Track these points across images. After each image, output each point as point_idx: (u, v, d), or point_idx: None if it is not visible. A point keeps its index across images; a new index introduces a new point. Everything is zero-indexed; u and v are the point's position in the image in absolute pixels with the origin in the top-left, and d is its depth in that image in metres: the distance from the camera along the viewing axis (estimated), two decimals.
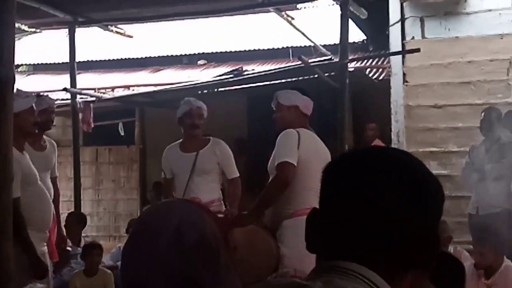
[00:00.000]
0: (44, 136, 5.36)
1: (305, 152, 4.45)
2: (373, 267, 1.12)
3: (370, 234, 1.12)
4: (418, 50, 7.26)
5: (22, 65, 12.20)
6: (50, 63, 11.84)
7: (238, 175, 5.48)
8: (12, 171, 3.55)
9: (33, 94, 4.81)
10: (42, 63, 12.18)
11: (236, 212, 5.17)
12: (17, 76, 10.87)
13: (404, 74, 8.06)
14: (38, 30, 9.35)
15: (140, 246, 1.35)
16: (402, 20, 8.12)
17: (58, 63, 11.15)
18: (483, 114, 6.91)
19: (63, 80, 9.03)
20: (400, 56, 8.03)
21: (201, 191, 5.29)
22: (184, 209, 1.39)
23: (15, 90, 3.77)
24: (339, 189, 1.17)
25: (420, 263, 1.15)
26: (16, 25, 8.77)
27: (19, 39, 10.74)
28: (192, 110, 5.38)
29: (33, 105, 4.50)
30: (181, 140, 5.54)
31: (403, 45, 8.07)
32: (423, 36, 8.07)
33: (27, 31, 9.35)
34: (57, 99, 9.14)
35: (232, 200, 5.42)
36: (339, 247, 1.14)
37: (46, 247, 4.59)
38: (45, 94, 6.14)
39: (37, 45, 11.65)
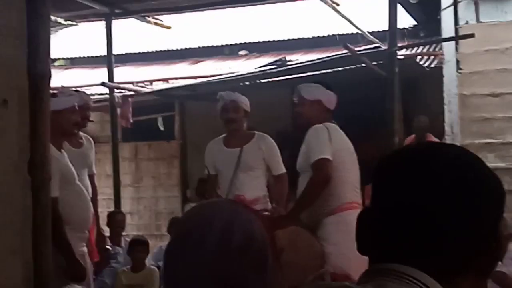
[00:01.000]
0: (81, 133, 5.27)
1: (337, 146, 4.42)
2: (428, 271, 1.08)
3: (426, 236, 1.08)
4: (472, 35, 7.00)
5: (59, 59, 12.09)
6: (87, 57, 11.72)
7: (285, 171, 5.34)
8: (50, 170, 3.39)
9: (72, 94, 4.71)
10: (79, 57, 12.07)
11: (283, 210, 5.05)
12: (54, 71, 10.79)
13: (457, 61, 7.81)
14: (74, 23, 9.22)
15: (185, 247, 1.29)
16: (455, 3, 7.84)
17: (96, 57, 11.03)
18: None
19: (101, 74, 8.92)
20: (453, 42, 7.77)
21: (246, 188, 5.16)
22: (230, 210, 1.35)
23: (60, 87, 3.66)
24: (394, 190, 1.13)
25: (480, 267, 1.10)
26: (52, 18, 8.72)
27: (55, 32, 10.64)
28: (226, 105, 5.25)
29: (76, 104, 4.43)
30: (224, 135, 5.40)
31: (456, 30, 7.79)
32: (477, 20, 7.77)
33: (63, 24, 9.23)
34: (94, 94, 9.03)
35: (278, 198, 5.30)
36: (392, 249, 1.11)
37: (85, 247, 4.52)
38: (82, 90, 6.02)
39: (74, 38, 11.53)
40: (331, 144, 4.37)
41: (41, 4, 3.35)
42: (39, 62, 3.29)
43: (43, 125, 3.30)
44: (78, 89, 6.22)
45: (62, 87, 3.94)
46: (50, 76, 3.40)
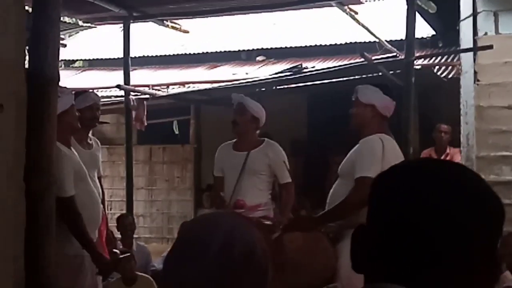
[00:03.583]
0: (89, 135, 5.22)
1: (387, 165, 3.98)
2: None
3: (422, 255, 1.06)
4: (491, 46, 6.91)
5: (77, 60, 12.15)
6: (105, 59, 11.77)
7: (290, 180, 5.29)
8: (54, 174, 3.34)
9: (72, 92, 4.66)
10: (97, 59, 12.12)
11: (286, 219, 4.98)
12: (72, 72, 10.83)
13: (475, 73, 7.66)
14: (93, 25, 9.26)
15: (186, 256, 1.33)
16: (474, 14, 7.71)
17: (113, 59, 11.06)
18: None
19: (118, 76, 8.92)
20: (471, 53, 7.63)
21: (248, 193, 5.15)
22: (234, 222, 1.38)
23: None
24: (388, 208, 1.11)
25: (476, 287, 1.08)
26: (72, 19, 8.76)
27: (75, 33, 10.71)
28: (234, 107, 5.27)
29: (73, 102, 4.37)
30: (235, 139, 5.41)
31: (474, 42, 7.66)
32: (496, 32, 7.63)
33: (83, 26, 9.27)
34: (111, 96, 9.03)
35: (283, 206, 5.30)
36: (386, 268, 1.09)
37: None
38: (91, 90, 5.99)
39: (93, 40, 11.58)
40: (382, 162, 4.03)
41: (51, 6, 3.31)
42: (47, 66, 3.25)
43: (50, 128, 3.24)
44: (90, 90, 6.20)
45: (59, 87, 3.90)
46: (58, 80, 3.37)
